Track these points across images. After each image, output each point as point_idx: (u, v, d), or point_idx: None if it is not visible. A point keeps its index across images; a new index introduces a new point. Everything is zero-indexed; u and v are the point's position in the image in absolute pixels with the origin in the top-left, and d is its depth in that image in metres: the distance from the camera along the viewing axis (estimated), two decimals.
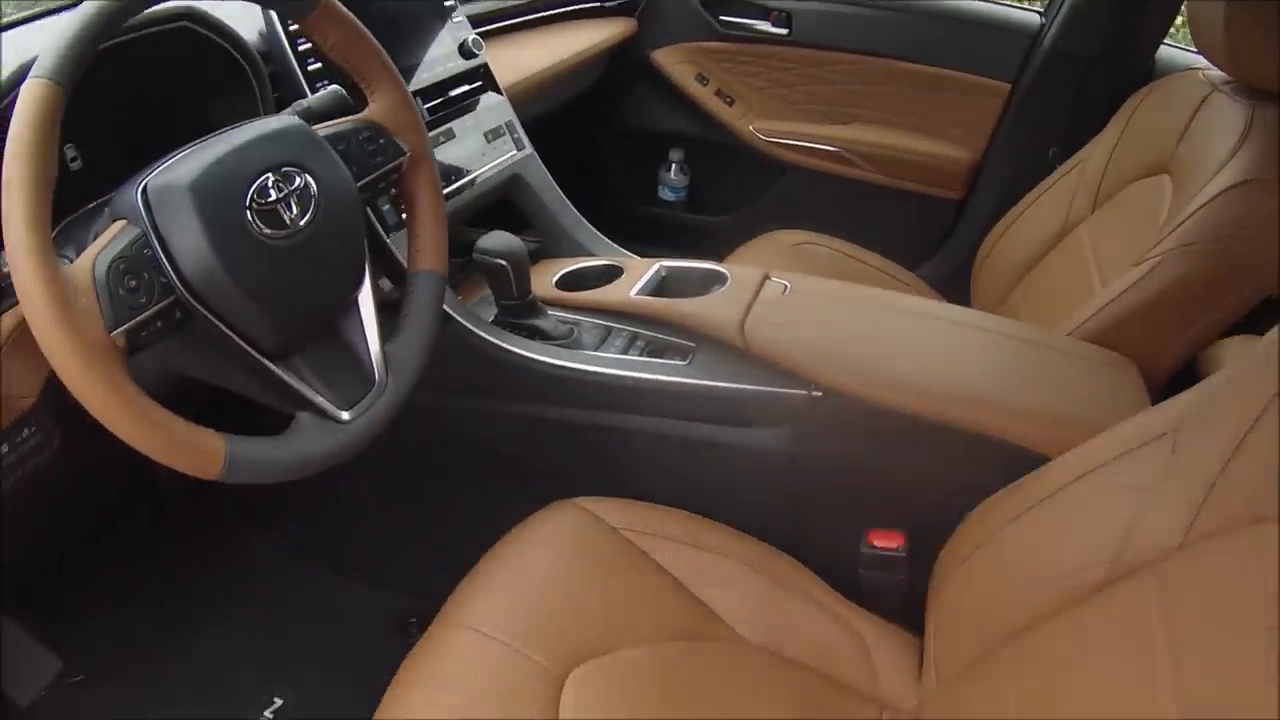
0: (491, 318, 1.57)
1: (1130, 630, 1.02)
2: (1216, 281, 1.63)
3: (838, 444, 1.43)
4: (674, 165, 2.80)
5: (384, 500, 1.82)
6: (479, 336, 1.49)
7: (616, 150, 2.80)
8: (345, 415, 1.07)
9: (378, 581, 1.84)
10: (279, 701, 1.65)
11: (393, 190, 1.24)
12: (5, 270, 0.93)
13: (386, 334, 1.15)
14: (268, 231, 1.01)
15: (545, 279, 1.68)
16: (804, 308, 1.57)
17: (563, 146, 2.00)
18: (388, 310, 1.17)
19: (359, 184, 1.14)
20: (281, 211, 1.02)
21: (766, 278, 1.60)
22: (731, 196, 2.79)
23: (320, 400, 1.06)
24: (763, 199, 2.76)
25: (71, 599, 1.75)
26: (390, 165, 1.21)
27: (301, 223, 1.03)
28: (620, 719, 1.17)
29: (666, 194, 2.83)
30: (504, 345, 1.50)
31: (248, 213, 0.99)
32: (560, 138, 2.01)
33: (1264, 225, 1.59)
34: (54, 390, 1.04)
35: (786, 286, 1.59)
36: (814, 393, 1.41)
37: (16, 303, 0.93)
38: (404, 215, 1.28)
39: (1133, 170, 1.95)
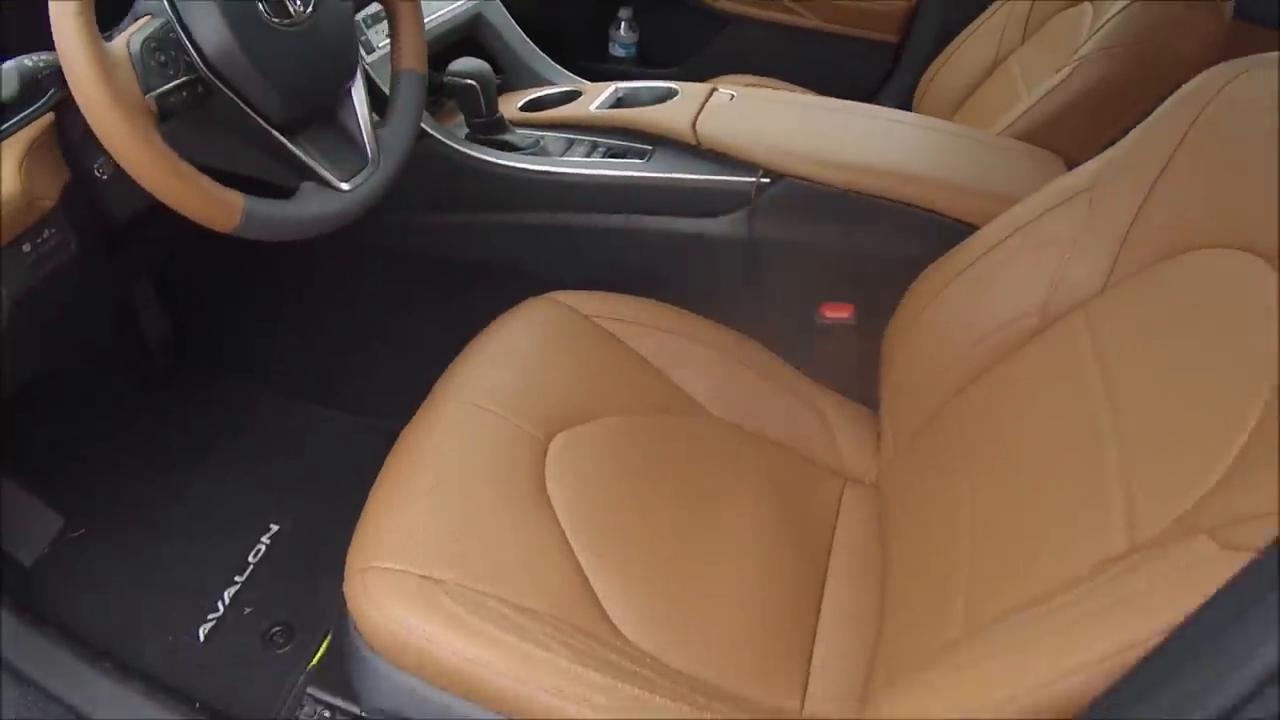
0: (463, 137, 1.66)
1: (1065, 367, 1.14)
2: (1133, 81, 1.76)
3: (786, 225, 1.54)
4: (623, 23, 2.86)
5: (362, 329, 1.91)
6: (453, 149, 1.58)
7: (568, 10, 2.85)
8: (345, 185, 1.20)
9: (361, 410, 1.94)
10: (275, 528, 1.74)
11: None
12: (42, 64, 1.02)
13: (376, 126, 1.29)
14: (277, 20, 1.13)
15: (510, 105, 1.77)
16: (750, 109, 1.68)
17: (512, 7, 2.07)
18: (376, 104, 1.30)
19: None
20: (288, 2, 1.14)
21: (714, 89, 1.70)
22: (679, 50, 2.86)
23: (324, 171, 1.19)
24: (709, 50, 2.84)
25: (62, 453, 1.82)
26: None
27: (306, 12, 1.16)
28: (598, 478, 1.29)
29: (617, 50, 2.90)
30: (477, 155, 1.59)
31: (260, 2, 1.12)
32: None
33: (1176, 27, 1.70)
34: (72, 196, 1.17)
35: (733, 95, 1.69)
36: (762, 178, 1.52)
37: (46, 107, 1.06)
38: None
39: (1058, 1, 2.06)
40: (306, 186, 1.18)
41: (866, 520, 1.39)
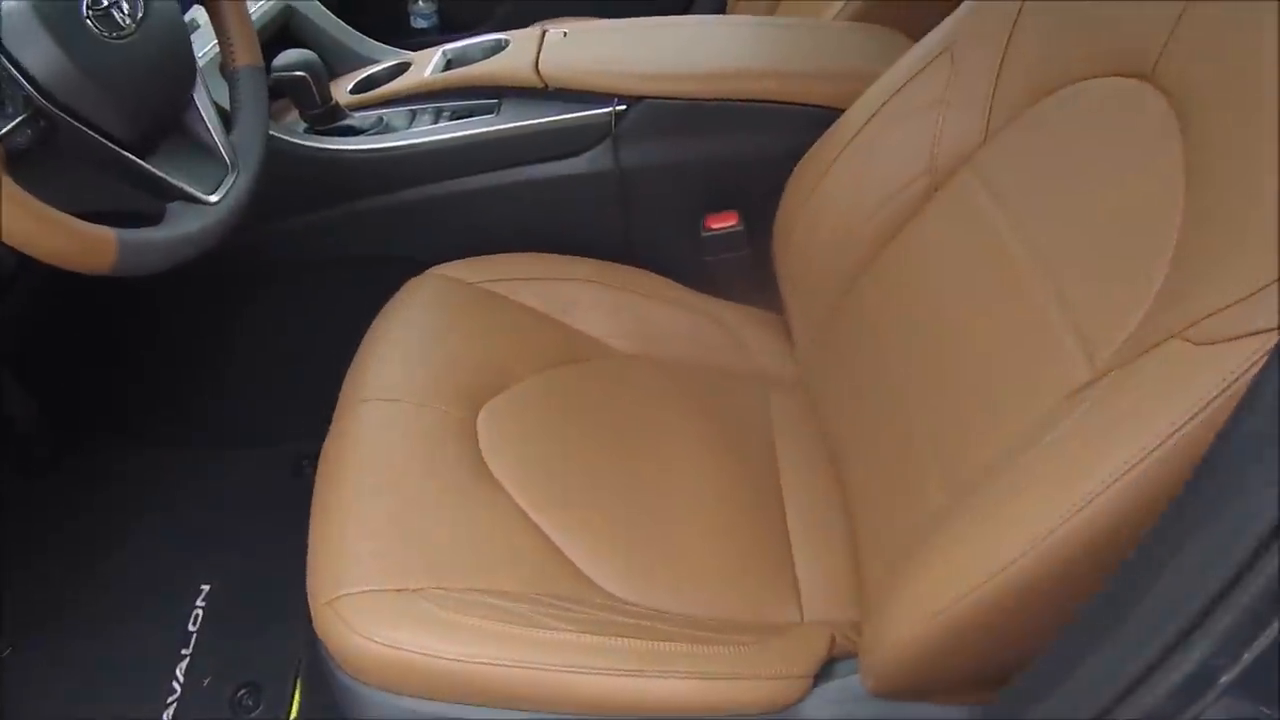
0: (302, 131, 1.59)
1: (969, 221, 1.14)
2: None
3: (652, 148, 1.51)
4: None
5: (245, 356, 1.80)
6: (298, 145, 1.50)
7: None
8: (212, 198, 1.14)
9: (264, 440, 1.83)
10: (206, 588, 1.64)
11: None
12: None
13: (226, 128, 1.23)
14: (106, 34, 1.05)
15: (340, 90, 1.69)
16: (588, 41, 1.62)
17: None
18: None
19: None
20: (114, 14, 1.06)
21: (545, 30, 1.65)
22: (479, 10, 2.78)
23: (187, 187, 1.12)
24: (509, 4, 2.76)
25: None
26: None
27: (133, 22, 1.07)
28: (535, 442, 1.25)
29: (419, 22, 2.80)
30: (323, 146, 1.51)
31: (87, 20, 1.03)
32: None
33: None
34: None
35: (565, 32, 1.64)
36: (618, 106, 1.48)
37: None
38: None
39: None
40: (173, 207, 1.11)
41: (800, 419, 1.38)
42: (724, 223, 1.51)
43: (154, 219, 1.09)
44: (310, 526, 1.12)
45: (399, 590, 1.03)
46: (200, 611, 1.60)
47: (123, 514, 1.75)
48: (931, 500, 1.03)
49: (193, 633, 1.57)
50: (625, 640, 1.00)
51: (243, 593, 1.62)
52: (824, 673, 1.04)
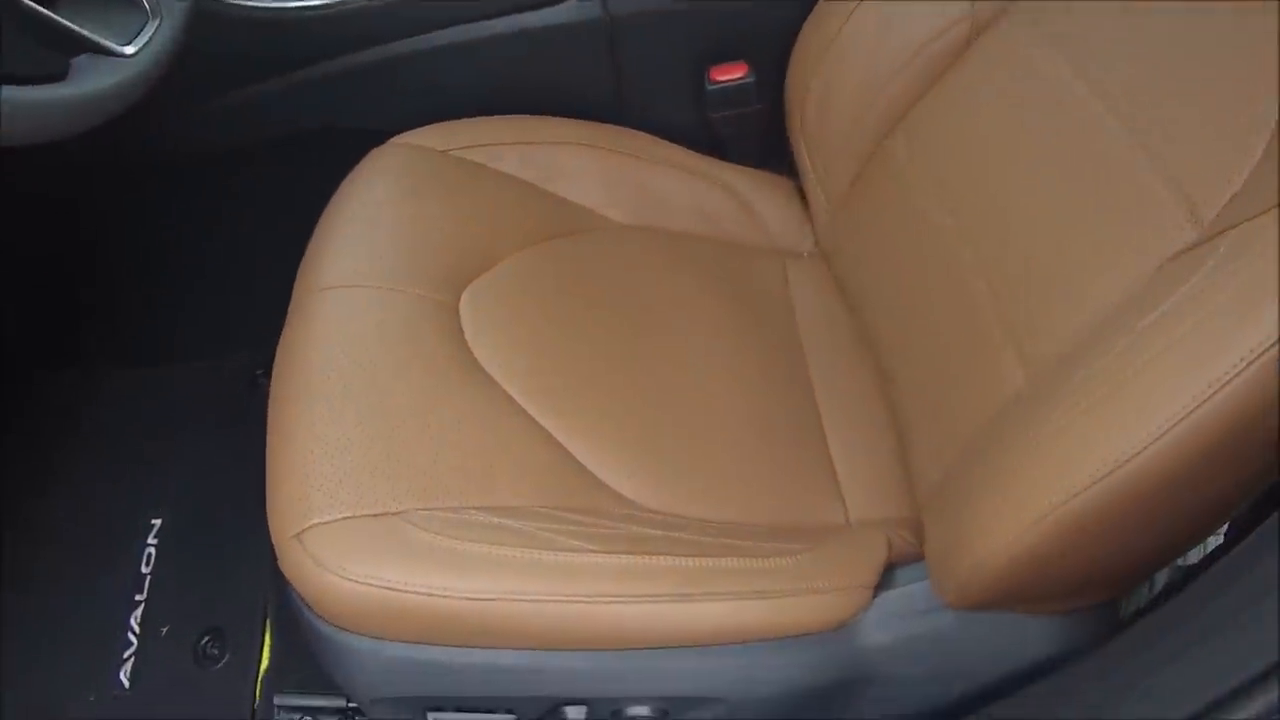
0: None
1: (1023, 66, 0.98)
2: None
3: None
4: None
5: (186, 259, 1.59)
6: (231, 5, 1.26)
7: None
8: (128, 49, 0.93)
9: (212, 353, 1.60)
10: (157, 523, 1.44)
11: None
12: None
13: None
14: None
15: None
16: None
17: None
18: None
19: None
20: None
21: None
22: None
23: (98, 37, 0.92)
24: None
25: None
26: None
27: None
28: (529, 328, 1.07)
29: None
30: (259, 4, 1.27)
31: None
32: None
33: None
34: None
35: None
36: None
37: None
38: None
39: None
40: (80, 62, 0.91)
41: (822, 292, 1.23)
42: (731, 74, 1.32)
43: (58, 76, 0.90)
44: (267, 446, 0.94)
45: (377, 515, 0.86)
46: (152, 550, 1.40)
47: (56, 447, 1.53)
48: (1007, 383, 0.87)
49: (146, 574, 1.38)
50: (663, 559, 0.85)
51: (198, 526, 1.42)
52: (884, 581, 0.90)
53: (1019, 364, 0.87)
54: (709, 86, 1.33)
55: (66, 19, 0.89)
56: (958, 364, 0.96)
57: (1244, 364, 0.63)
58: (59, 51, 0.90)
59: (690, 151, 1.31)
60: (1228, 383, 0.64)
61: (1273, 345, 0.62)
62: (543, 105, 1.31)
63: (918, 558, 0.93)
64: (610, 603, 0.82)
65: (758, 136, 1.36)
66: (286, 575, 0.86)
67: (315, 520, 0.85)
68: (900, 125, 1.12)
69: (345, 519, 0.85)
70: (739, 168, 1.32)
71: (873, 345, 1.13)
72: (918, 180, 1.07)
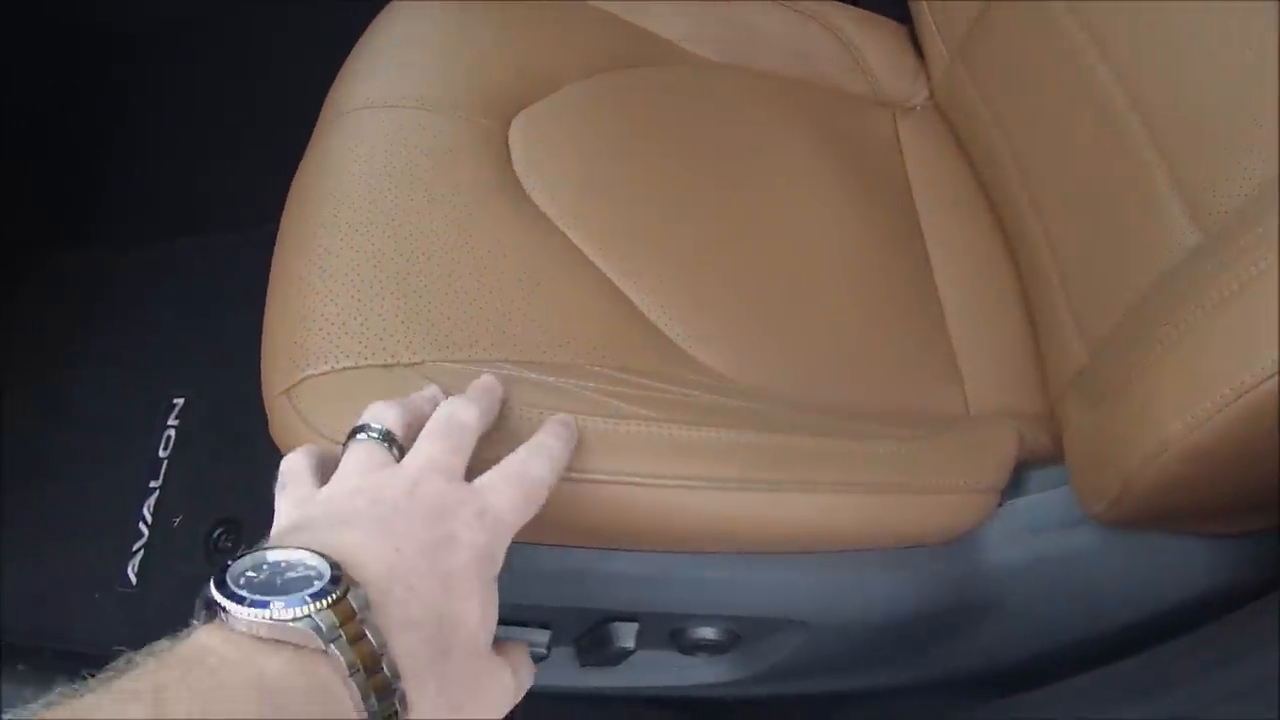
0: None
1: None
2: None
3: None
4: None
5: (200, 121, 1.44)
6: None
7: None
8: None
9: (240, 221, 1.43)
10: (179, 402, 1.31)
11: None
12: None
13: None
14: None
15: None
16: None
17: None
18: None
19: None
20: None
21: None
22: None
23: None
24: None
25: None
26: None
27: None
28: (590, 161, 0.89)
29: None
30: None
31: None
32: None
33: None
34: None
35: None
36: None
37: None
38: None
39: None
40: None
41: (938, 149, 1.04)
42: None
43: None
44: (268, 287, 0.77)
45: (387, 365, 0.68)
46: (172, 433, 1.26)
47: (77, 323, 1.39)
48: (1175, 237, 0.69)
49: (163, 459, 1.24)
50: (744, 434, 0.67)
51: (223, 407, 1.28)
52: (1013, 486, 0.74)
53: (1190, 218, 0.69)
54: None
55: None
56: (1113, 222, 0.77)
57: None
58: None
59: None
60: None
61: None
62: None
63: (1053, 459, 0.75)
64: (674, 486, 0.64)
65: None
66: (275, 440, 0.69)
67: (310, 371, 0.67)
68: None
69: (347, 370, 0.67)
70: (846, 6, 1.13)
71: (999, 206, 0.95)
72: (1056, 10, 0.87)
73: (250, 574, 0.43)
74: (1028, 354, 0.86)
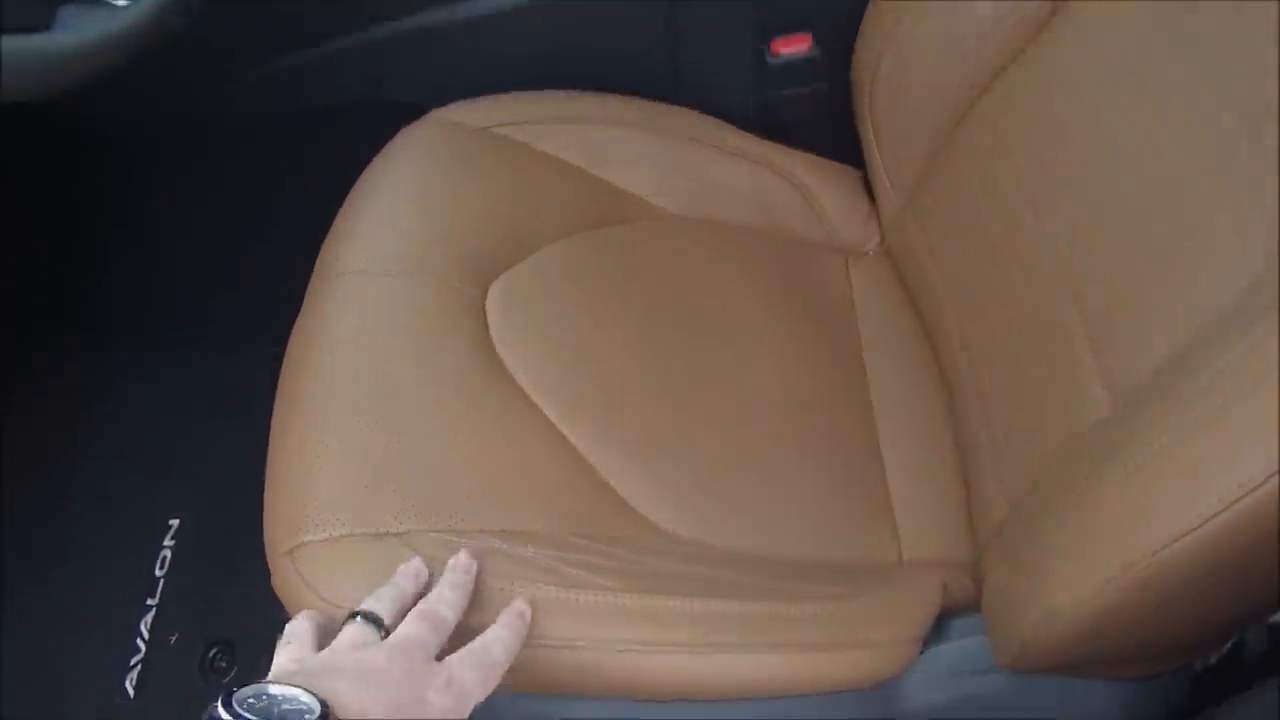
0: None
1: (1111, 33, 0.87)
2: None
3: None
4: None
5: (212, 235, 1.52)
6: None
7: None
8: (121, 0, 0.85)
9: (242, 340, 1.51)
10: (175, 523, 1.37)
11: None
12: None
13: None
14: None
15: None
16: None
17: None
18: None
19: None
20: None
21: None
22: None
23: None
24: None
25: None
26: None
27: None
28: (563, 328, 0.98)
29: None
30: None
31: None
32: None
33: None
34: None
35: None
36: None
37: None
38: None
39: None
40: (66, 10, 0.83)
41: (887, 298, 1.12)
42: (794, 47, 1.21)
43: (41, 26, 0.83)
44: (269, 447, 0.86)
45: (378, 534, 0.77)
46: (169, 552, 1.33)
47: (73, 435, 1.45)
48: (1090, 407, 0.77)
49: (160, 578, 1.31)
50: (695, 602, 0.76)
51: (218, 528, 1.35)
52: (934, 634, 0.82)
53: (1104, 386, 0.77)
54: (770, 59, 1.22)
55: None
56: (1035, 381, 0.86)
57: None
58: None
59: (750, 135, 1.20)
60: None
61: None
62: (592, 77, 1.21)
63: (975, 607, 0.83)
64: (624, 651, 0.74)
65: (821, 119, 1.25)
66: (278, 593, 0.79)
67: (309, 537, 0.77)
68: (980, 106, 1.01)
69: (342, 538, 0.77)
70: (801, 154, 1.22)
71: (939, 356, 1.03)
72: (999, 169, 0.96)
73: (251, 700, 0.52)
74: (961, 506, 0.94)
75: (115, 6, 0.86)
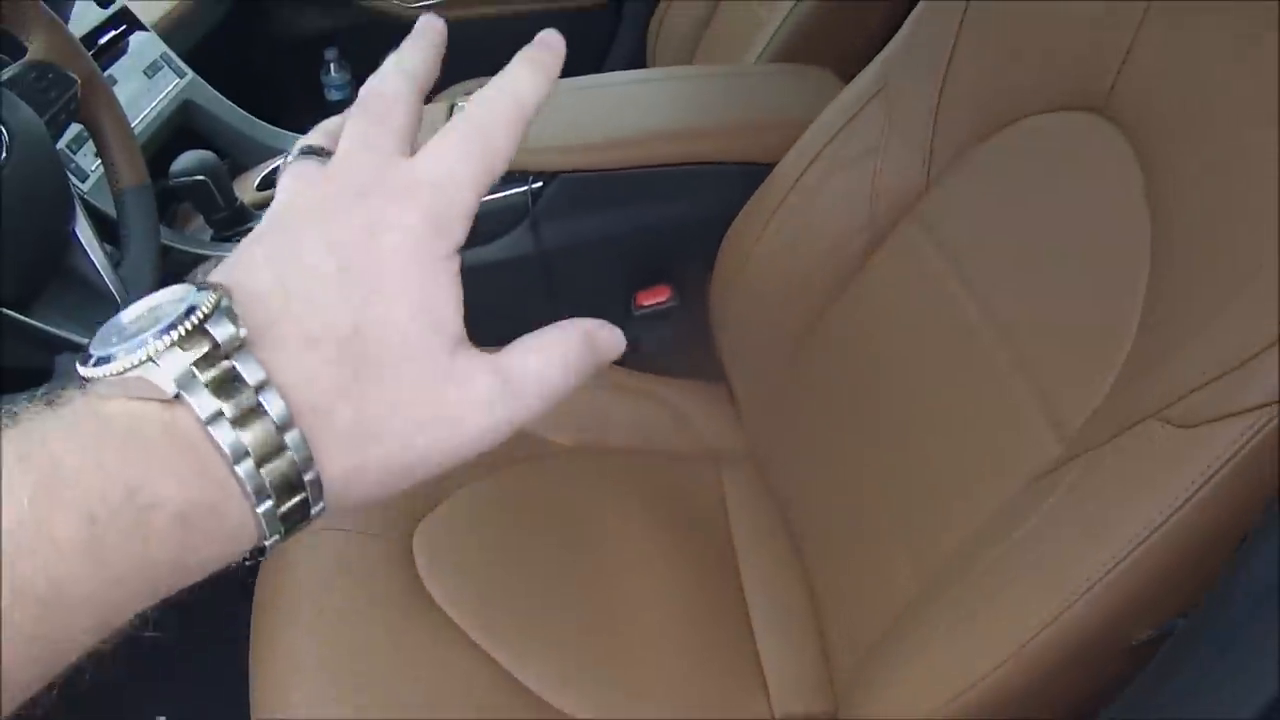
0: (209, 240, 1.49)
1: (915, 272, 1.07)
2: None
3: (573, 225, 1.41)
4: (331, 65, 2.65)
5: None
6: (204, 256, 1.41)
7: (274, 68, 2.64)
8: None
9: None
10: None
11: (72, 120, 1.20)
12: None
13: (115, 260, 1.14)
14: None
15: (247, 187, 1.60)
16: None
17: (220, 75, 1.88)
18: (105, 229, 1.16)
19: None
20: None
21: (453, 105, 1.56)
22: None
23: (73, 336, 1.03)
24: None
25: None
26: (66, 96, 1.16)
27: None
28: (478, 560, 1.15)
29: (333, 94, 2.69)
30: (225, 254, 1.40)
31: None
32: (216, 68, 1.89)
33: None
34: None
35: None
36: (533, 184, 1.39)
37: None
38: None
39: None
40: (62, 360, 1.01)
41: (755, 496, 1.29)
42: (655, 299, 1.43)
43: (45, 372, 1.01)
44: (249, 667, 1.03)
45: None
46: None
47: None
48: (901, 589, 0.95)
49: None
50: None
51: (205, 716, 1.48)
52: None
53: (912, 569, 0.95)
54: (635, 311, 1.43)
55: (44, 322, 1.00)
56: (862, 563, 1.05)
57: (1081, 592, 0.71)
58: (44, 351, 1.01)
59: (625, 370, 1.41)
60: (1067, 609, 0.71)
61: (1104, 577, 0.70)
62: (485, 334, 1.34)
63: None
64: None
65: (686, 350, 1.44)
66: None
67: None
68: (814, 332, 1.21)
69: None
70: (671, 380, 1.42)
71: (798, 545, 1.20)
72: (831, 386, 1.17)
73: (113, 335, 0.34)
74: (822, 665, 1.09)
75: None
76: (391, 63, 0.43)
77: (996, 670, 0.75)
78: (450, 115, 1.47)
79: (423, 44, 0.44)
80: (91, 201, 1.33)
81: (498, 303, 1.44)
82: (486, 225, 1.40)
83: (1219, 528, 0.67)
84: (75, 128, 1.36)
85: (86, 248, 1.10)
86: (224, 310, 0.33)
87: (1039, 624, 0.72)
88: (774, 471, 1.28)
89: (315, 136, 0.43)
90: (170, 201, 1.53)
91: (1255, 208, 0.73)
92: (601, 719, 1.02)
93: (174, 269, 1.33)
